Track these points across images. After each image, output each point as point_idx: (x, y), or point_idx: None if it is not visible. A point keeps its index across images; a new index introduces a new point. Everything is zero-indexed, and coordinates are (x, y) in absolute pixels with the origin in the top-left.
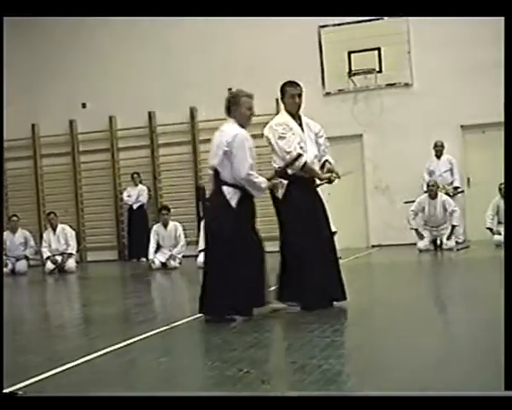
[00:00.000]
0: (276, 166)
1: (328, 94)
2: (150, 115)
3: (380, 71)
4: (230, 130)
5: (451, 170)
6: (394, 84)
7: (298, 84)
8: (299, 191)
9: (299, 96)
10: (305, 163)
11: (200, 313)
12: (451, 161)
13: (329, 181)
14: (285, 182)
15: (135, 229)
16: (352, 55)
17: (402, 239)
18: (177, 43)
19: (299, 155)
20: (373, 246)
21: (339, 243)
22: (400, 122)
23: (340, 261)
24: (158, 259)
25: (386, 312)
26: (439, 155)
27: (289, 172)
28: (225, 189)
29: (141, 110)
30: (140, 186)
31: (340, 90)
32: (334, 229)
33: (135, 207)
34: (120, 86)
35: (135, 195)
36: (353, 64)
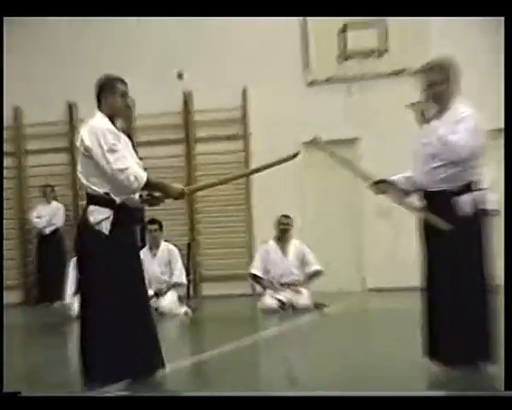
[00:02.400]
0: (99, 189)
1: (312, 83)
2: (70, 107)
3: (384, 53)
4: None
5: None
6: (403, 70)
7: (125, 82)
8: (125, 229)
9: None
10: (147, 182)
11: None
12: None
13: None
14: (107, 213)
15: (47, 262)
16: (348, 30)
17: (408, 281)
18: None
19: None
20: (370, 290)
21: (326, 286)
22: (409, 122)
23: (326, 310)
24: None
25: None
26: None
27: (117, 199)
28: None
29: (57, 100)
30: (54, 204)
31: (328, 79)
32: (318, 267)
33: (47, 231)
34: (30, 68)
35: (47, 215)
36: (349, 43)
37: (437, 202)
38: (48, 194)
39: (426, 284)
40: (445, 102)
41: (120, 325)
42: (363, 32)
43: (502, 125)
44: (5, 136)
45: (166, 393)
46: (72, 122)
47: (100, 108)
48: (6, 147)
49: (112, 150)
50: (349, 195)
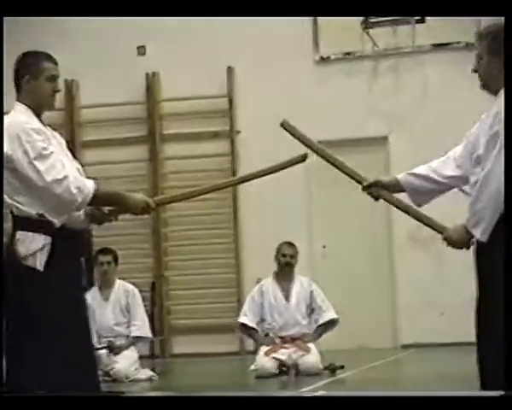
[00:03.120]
0: (29, 210)
1: (324, 60)
2: None
3: (421, 20)
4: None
5: None
6: (448, 44)
7: (55, 61)
8: (66, 263)
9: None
10: (96, 194)
11: None
12: None
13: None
14: (43, 240)
15: None
16: None
17: (458, 334)
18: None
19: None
20: (403, 346)
21: (343, 341)
22: (456, 112)
23: (342, 375)
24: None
25: None
26: None
27: (56, 222)
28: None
29: None
30: None
31: (346, 55)
32: (332, 315)
33: None
34: None
35: None
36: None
37: None
38: None
39: (476, 338)
40: (490, 85)
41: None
42: None
43: None
44: None
45: (166, 393)
46: None
47: (19, 97)
48: None
49: (42, 156)
50: (373, 217)
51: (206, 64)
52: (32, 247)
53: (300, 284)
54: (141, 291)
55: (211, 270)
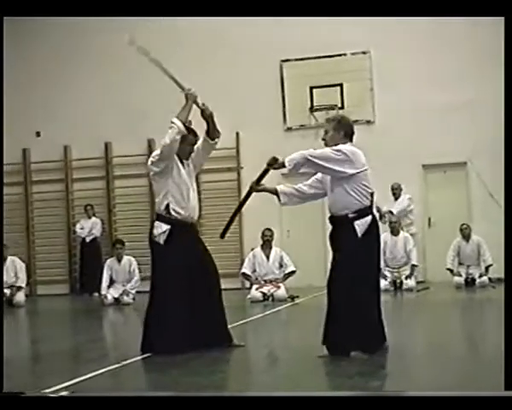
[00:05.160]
0: (161, 205)
1: (289, 129)
2: (106, 146)
3: (342, 107)
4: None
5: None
6: (356, 120)
7: (197, 135)
8: (177, 237)
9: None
10: (179, 118)
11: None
12: (404, 199)
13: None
14: (165, 227)
15: (87, 262)
16: (314, 90)
17: None
18: (135, 74)
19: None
20: None
21: (298, 282)
22: None
23: (298, 300)
24: (111, 294)
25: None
26: (397, 197)
27: (173, 213)
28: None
29: (97, 140)
30: (93, 219)
31: (301, 126)
32: (292, 268)
33: (88, 240)
34: (76, 115)
35: (88, 227)
36: (315, 99)
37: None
38: (88, 211)
39: (326, 284)
40: (331, 145)
41: (181, 305)
42: (327, 91)
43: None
44: (56, 167)
45: (167, 393)
46: (107, 158)
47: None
48: (57, 176)
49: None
50: (315, 214)
51: (224, 130)
52: (159, 231)
53: (275, 251)
54: None
55: (227, 243)
